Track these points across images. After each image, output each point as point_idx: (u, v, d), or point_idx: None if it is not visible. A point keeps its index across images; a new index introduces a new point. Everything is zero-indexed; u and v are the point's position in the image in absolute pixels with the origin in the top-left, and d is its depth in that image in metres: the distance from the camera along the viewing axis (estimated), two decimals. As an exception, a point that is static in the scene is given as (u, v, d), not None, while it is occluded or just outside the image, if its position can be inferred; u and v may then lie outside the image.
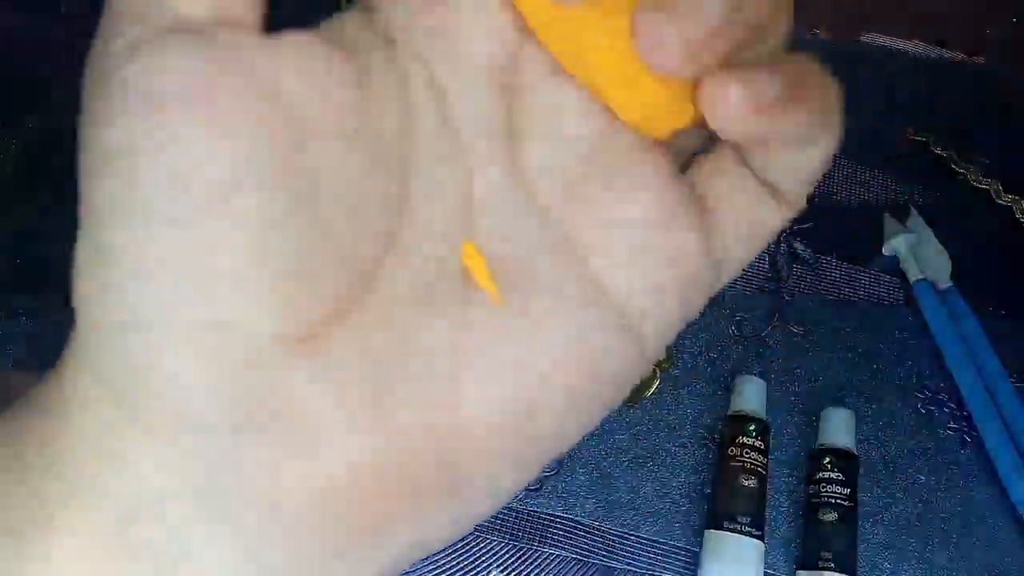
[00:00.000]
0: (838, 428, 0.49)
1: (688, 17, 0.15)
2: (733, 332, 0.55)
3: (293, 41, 0.16)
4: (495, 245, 0.17)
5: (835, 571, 0.44)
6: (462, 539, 0.47)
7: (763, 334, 0.55)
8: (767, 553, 0.47)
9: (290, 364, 0.15)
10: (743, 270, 0.58)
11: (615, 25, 0.17)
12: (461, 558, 0.47)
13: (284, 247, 0.15)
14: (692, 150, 0.20)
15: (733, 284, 0.57)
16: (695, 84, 0.17)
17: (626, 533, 0.48)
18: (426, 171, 0.17)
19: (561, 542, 0.47)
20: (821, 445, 0.49)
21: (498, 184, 0.18)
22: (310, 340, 0.15)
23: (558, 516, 0.48)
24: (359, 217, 0.16)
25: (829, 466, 0.48)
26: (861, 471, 0.49)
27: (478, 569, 0.46)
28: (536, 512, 0.48)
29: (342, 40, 0.17)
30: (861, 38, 0.70)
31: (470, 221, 0.17)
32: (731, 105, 0.16)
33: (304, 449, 0.15)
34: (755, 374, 0.52)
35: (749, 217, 0.20)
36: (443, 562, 0.47)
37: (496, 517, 0.48)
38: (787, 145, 0.18)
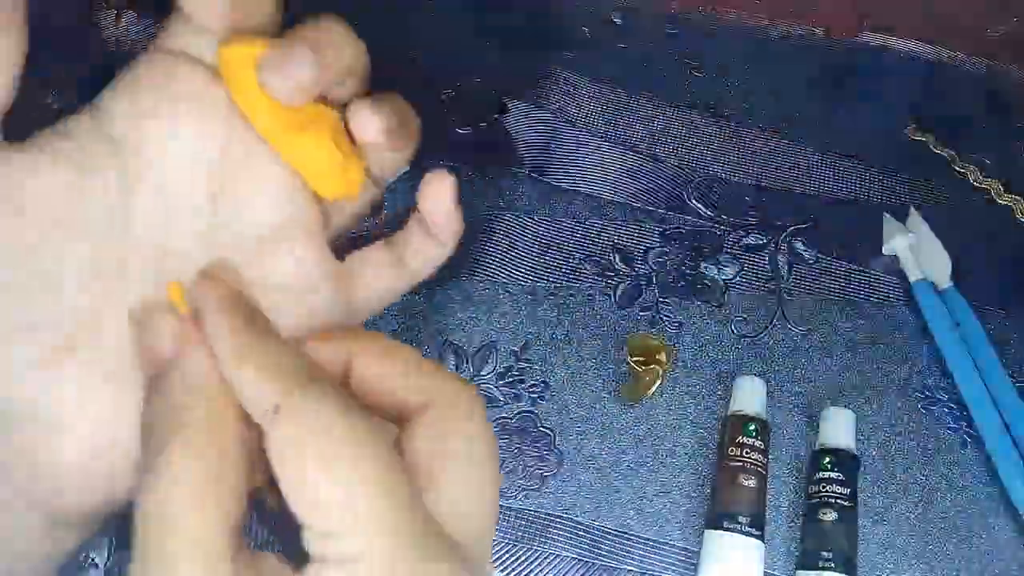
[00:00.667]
0: (838, 428, 0.49)
1: (292, 69, 0.24)
2: (733, 332, 0.55)
3: (25, 156, 0.23)
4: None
5: (835, 571, 0.44)
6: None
7: (763, 334, 0.55)
8: (767, 553, 0.46)
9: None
10: (743, 270, 0.58)
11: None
12: (460, 558, 0.47)
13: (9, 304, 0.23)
14: (350, 228, 0.31)
15: (733, 284, 0.57)
16: (356, 160, 0.28)
17: (625, 533, 0.48)
18: (144, 239, 0.25)
19: (560, 542, 0.47)
20: (821, 445, 0.49)
21: (194, 253, 0.25)
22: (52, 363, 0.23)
23: (557, 516, 0.48)
24: (75, 281, 0.24)
25: (829, 466, 0.48)
26: (861, 471, 0.48)
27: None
28: (535, 512, 0.48)
29: (70, 137, 0.24)
30: (861, 38, 0.70)
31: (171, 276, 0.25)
32: (365, 119, 0.27)
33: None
34: (755, 374, 0.52)
35: (380, 284, 0.31)
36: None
37: (496, 517, 0.48)
38: (397, 149, 0.30)
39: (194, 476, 0.20)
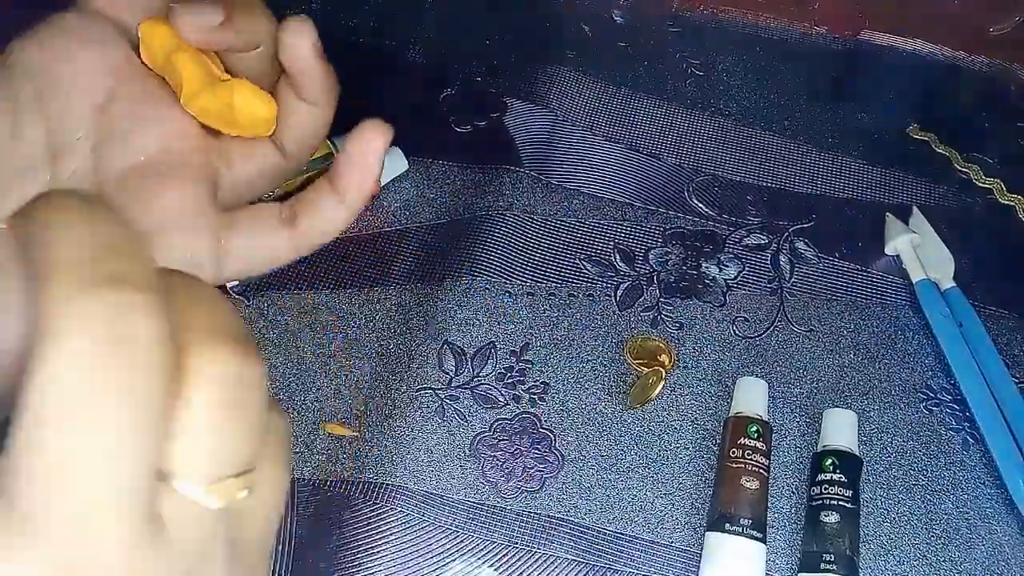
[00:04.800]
0: (840, 429, 0.49)
1: (201, 10, 0.28)
2: (734, 332, 0.54)
3: None
4: None
5: (837, 573, 0.44)
6: (459, 539, 0.47)
7: (765, 334, 0.55)
8: (769, 555, 0.46)
9: None
10: (745, 270, 0.58)
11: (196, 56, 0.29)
12: (458, 559, 0.46)
13: None
14: (256, 191, 0.32)
15: (734, 284, 0.56)
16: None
17: (626, 534, 0.47)
18: (24, 162, 0.26)
19: (561, 544, 0.47)
20: (823, 446, 0.49)
21: (77, 178, 0.27)
22: None
23: (558, 517, 0.48)
24: None
25: (831, 467, 0.47)
26: (863, 472, 0.48)
27: (475, 569, 0.46)
28: (536, 513, 0.48)
29: None
30: (861, 38, 0.70)
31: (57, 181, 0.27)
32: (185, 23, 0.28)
33: None
34: (757, 375, 0.52)
35: (263, 239, 0.31)
36: (439, 563, 0.46)
37: (495, 518, 0.48)
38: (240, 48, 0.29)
39: None
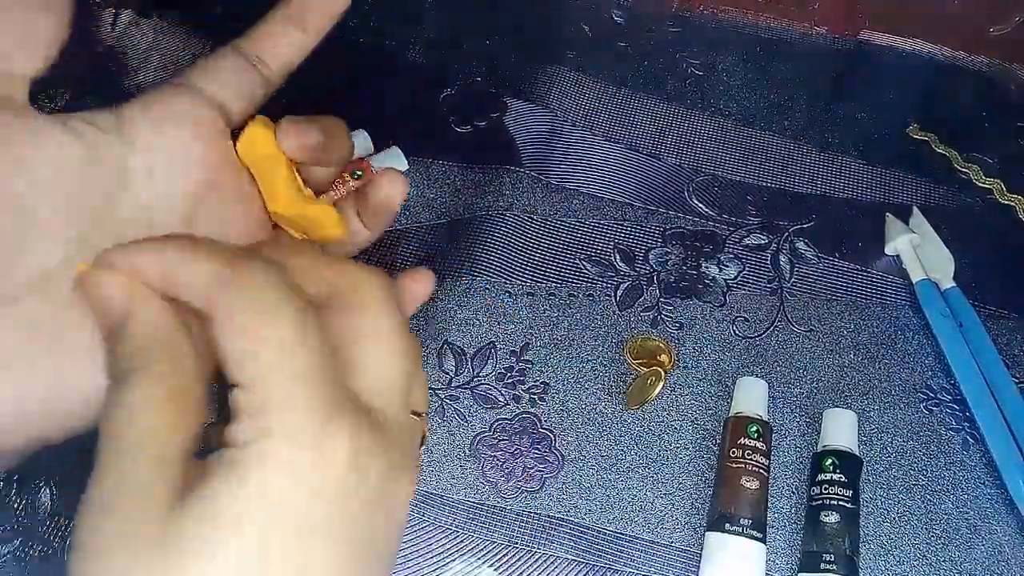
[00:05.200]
0: (840, 429, 0.49)
1: (305, 131, 0.32)
2: (734, 332, 0.54)
3: (38, 126, 0.27)
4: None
5: (837, 573, 0.44)
6: (459, 539, 0.47)
7: (765, 334, 0.54)
8: (769, 555, 0.46)
9: None
10: (745, 270, 0.58)
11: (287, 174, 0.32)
12: (458, 559, 0.46)
13: None
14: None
15: (734, 284, 0.56)
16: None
17: (626, 534, 0.47)
18: (121, 230, 0.28)
19: (561, 543, 0.47)
20: (823, 446, 0.49)
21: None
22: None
23: (558, 517, 0.48)
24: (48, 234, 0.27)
25: (831, 467, 0.47)
26: (863, 472, 0.48)
27: (475, 569, 0.46)
28: (536, 513, 0.48)
29: (92, 123, 0.28)
30: (861, 38, 0.70)
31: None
32: (290, 142, 0.32)
33: None
34: (757, 375, 0.52)
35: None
36: (439, 563, 0.46)
37: (495, 518, 0.48)
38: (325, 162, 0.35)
39: (156, 398, 0.22)
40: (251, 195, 0.32)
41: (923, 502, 0.49)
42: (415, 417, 0.26)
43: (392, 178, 0.35)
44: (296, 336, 0.22)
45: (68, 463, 0.46)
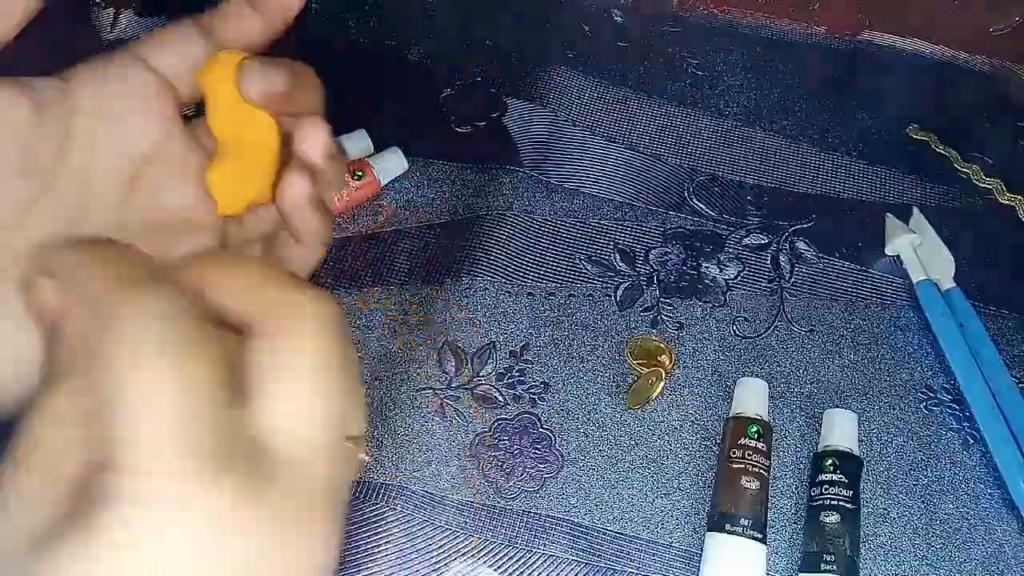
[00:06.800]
0: (840, 429, 0.49)
1: (269, 75, 0.30)
2: (734, 332, 0.54)
3: None
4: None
5: (837, 573, 0.44)
6: (459, 539, 0.47)
7: (765, 335, 0.54)
8: (769, 556, 0.46)
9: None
10: (744, 270, 0.58)
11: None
12: (458, 559, 0.46)
13: None
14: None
15: (734, 284, 0.56)
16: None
17: (626, 534, 0.47)
18: (61, 188, 0.28)
19: (561, 543, 0.47)
20: (823, 447, 0.49)
21: (102, 218, 0.29)
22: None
23: (558, 517, 0.48)
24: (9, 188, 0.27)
25: (831, 468, 0.47)
26: (864, 473, 0.48)
27: (475, 569, 0.46)
28: (535, 513, 0.48)
29: (39, 86, 0.28)
30: (861, 38, 0.70)
31: (83, 218, 0.29)
32: (251, 87, 0.29)
33: None
34: (757, 375, 0.52)
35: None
36: (439, 563, 0.46)
37: (495, 518, 0.48)
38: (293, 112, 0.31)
39: (65, 413, 0.21)
40: (195, 170, 0.32)
41: (923, 502, 0.49)
42: (349, 443, 0.23)
43: (310, 127, 0.32)
44: (169, 379, 0.19)
45: None
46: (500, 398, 0.52)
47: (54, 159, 0.28)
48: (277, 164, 0.31)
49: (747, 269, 0.57)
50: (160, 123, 0.30)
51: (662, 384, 0.51)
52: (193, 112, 0.32)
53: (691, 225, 0.59)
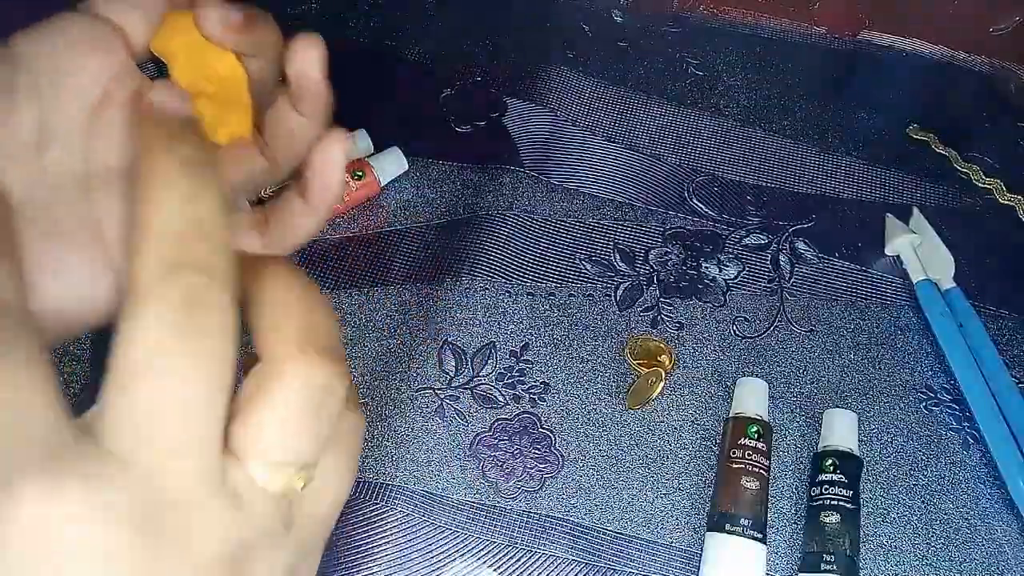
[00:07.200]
0: (840, 429, 0.49)
1: (226, 13, 0.29)
2: (734, 332, 0.54)
3: None
4: (39, 193, 0.28)
5: (837, 573, 0.44)
6: (459, 539, 0.47)
7: (765, 335, 0.54)
8: (769, 555, 0.46)
9: None
10: (744, 270, 0.58)
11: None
12: (458, 559, 0.46)
13: None
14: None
15: (734, 284, 0.56)
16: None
17: (626, 535, 0.47)
18: (11, 148, 0.27)
19: (561, 543, 0.47)
20: (823, 447, 0.49)
21: (64, 170, 0.28)
22: None
23: (558, 517, 0.48)
24: None
25: (831, 468, 0.47)
26: (864, 473, 0.48)
27: (475, 569, 0.46)
28: (536, 513, 0.48)
29: None
30: (861, 38, 0.70)
31: (40, 186, 0.28)
32: (210, 23, 0.29)
33: None
34: (757, 375, 0.52)
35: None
36: (439, 563, 0.46)
37: (495, 518, 0.48)
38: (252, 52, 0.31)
39: None
40: None
41: (923, 502, 0.49)
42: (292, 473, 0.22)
43: (305, 42, 0.31)
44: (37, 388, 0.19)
45: None
46: (500, 398, 0.52)
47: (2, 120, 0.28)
48: (251, 99, 0.31)
49: (747, 269, 0.57)
50: (108, 69, 0.30)
51: (662, 384, 0.51)
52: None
53: (691, 225, 0.59)
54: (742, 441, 0.48)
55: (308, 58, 0.30)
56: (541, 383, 0.52)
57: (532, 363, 0.53)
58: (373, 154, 0.60)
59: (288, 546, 0.22)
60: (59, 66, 0.29)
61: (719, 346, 0.54)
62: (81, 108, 0.30)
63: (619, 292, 0.56)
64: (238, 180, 0.32)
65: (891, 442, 0.51)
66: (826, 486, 0.47)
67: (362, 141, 0.60)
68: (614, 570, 0.46)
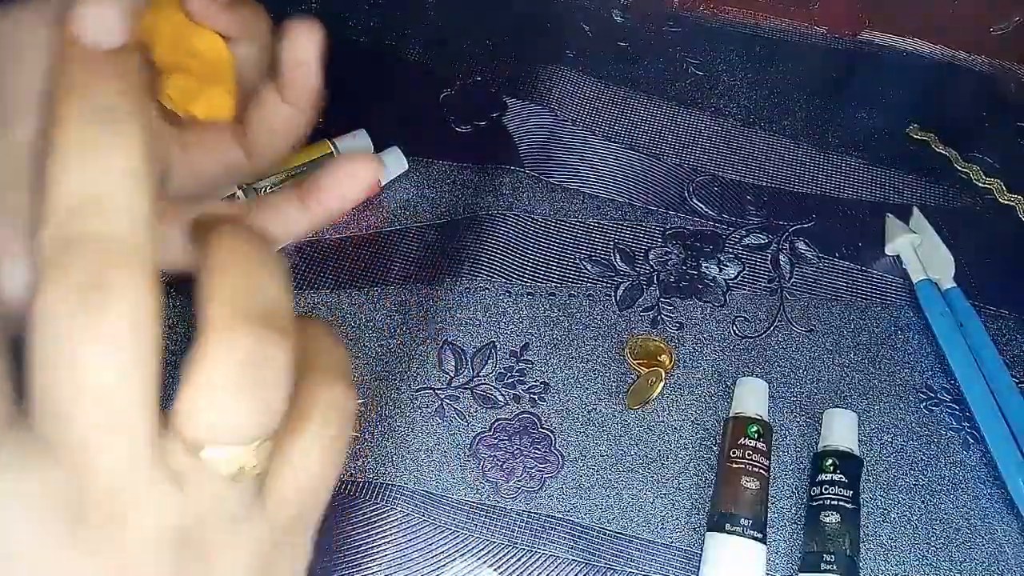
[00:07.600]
0: (840, 429, 0.49)
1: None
2: (734, 332, 0.54)
3: None
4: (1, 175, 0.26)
5: (837, 573, 0.44)
6: (459, 539, 0.47)
7: (765, 335, 0.54)
8: (769, 555, 0.46)
9: None
10: (744, 270, 0.58)
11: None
12: (458, 559, 0.46)
13: None
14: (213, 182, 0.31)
15: (734, 284, 0.56)
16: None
17: (626, 534, 0.47)
18: None
19: (561, 543, 0.47)
20: (823, 447, 0.49)
21: (28, 148, 0.26)
22: None
23: (558, 517, 0.48)
24: None
25: (831, 468, 0.47)
26: (864, 473, 0.48)
27: (475, 569, 0.46)
28: (536, 513, 0.48)
29: None
30: (861, 38, 0.70)
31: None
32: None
33: None
34: (757, 375, 0.52)
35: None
36: (439, 563, 0.46)
37: (495, 518, 0.48)
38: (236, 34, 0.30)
39: None
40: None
41: (923, 502, 0.49)
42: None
43: (303, 27, 0.30)
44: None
45: None
46: (500, 398, 0.52)
47: None
48: (234, 77, 0.30)
49: (747, 269, 0.57)
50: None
51: (662, 384, 0.51)
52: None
53: (691, 225, 0.59)
54: (742, 441, 0.48)
55: (305, 43, 0.29)
56: (541, 383, 0.52)
57: (532, 363, 0.53)
58: (373, 154, 0.60)
59: (255, 532, 0.21)
60: (21, 42, 0.28)
61: (719, 346, 0.54)
62: (44, 84, 0.28)
63: (619, 292, 0.56)
64: (213, 171, 0.31)
65: (891, 442, 0.51)
66: (826, 486, 0.47)
67: (362, 141, 0.60)
68: (614, 570, 0.46)
